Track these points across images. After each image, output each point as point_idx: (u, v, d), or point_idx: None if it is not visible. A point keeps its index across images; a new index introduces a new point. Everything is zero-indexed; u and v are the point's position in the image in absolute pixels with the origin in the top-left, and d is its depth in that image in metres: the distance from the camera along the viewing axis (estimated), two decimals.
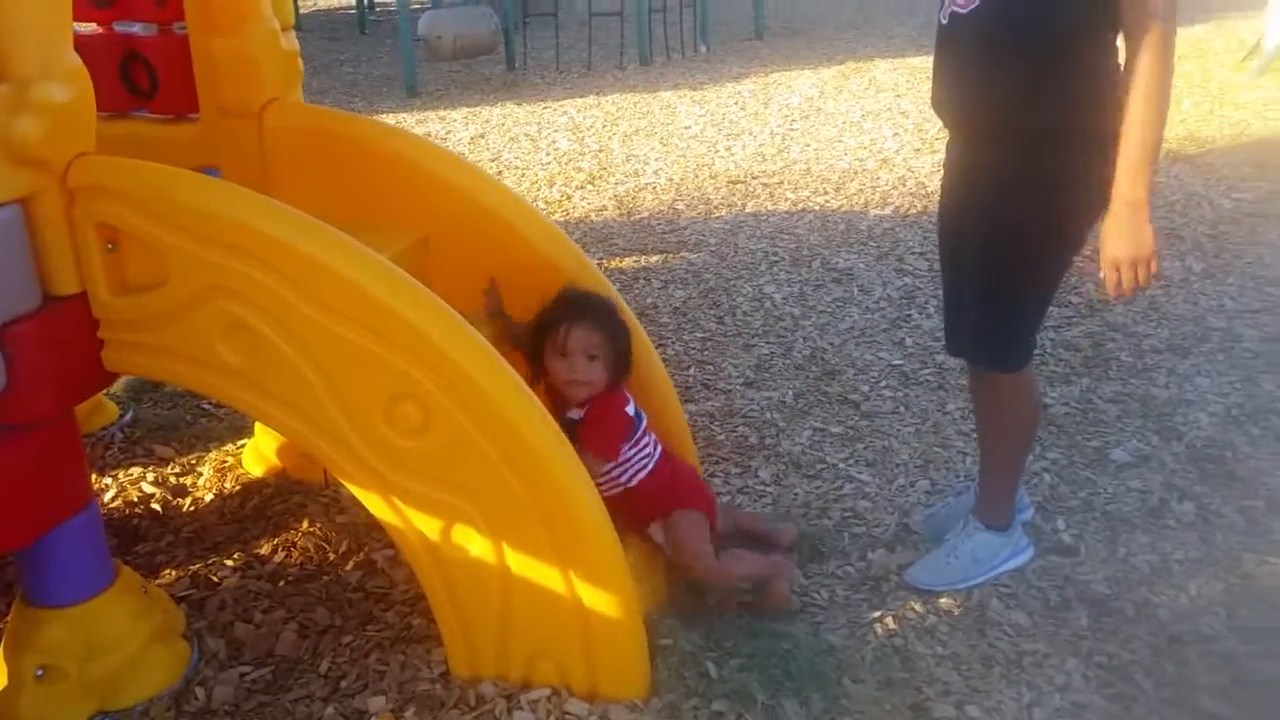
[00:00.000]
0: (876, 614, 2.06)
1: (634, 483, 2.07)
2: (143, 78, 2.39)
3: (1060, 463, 2.65)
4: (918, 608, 2.07)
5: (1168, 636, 1.99)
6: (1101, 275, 1.86)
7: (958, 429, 2.84)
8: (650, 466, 2.08)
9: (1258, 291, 3.73)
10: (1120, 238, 1.80)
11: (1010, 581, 2.16)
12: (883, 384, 3.13)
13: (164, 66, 2.36)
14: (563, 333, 2.02)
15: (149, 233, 1.73)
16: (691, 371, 3.27)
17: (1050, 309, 3.59)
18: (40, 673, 1.74)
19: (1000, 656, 1.94)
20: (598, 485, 2.00)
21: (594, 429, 2.02)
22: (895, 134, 6.22)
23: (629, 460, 2.06)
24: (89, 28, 2.40)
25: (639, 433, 2.08)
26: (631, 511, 2.08)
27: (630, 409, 2.08)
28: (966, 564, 2.14)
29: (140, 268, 1.78)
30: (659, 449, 2.12)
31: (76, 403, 1.83)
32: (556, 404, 2.07)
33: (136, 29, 2.44)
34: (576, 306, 2.07)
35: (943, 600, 2.09)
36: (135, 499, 2.51)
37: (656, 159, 5.91)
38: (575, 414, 2.05)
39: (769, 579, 2.10)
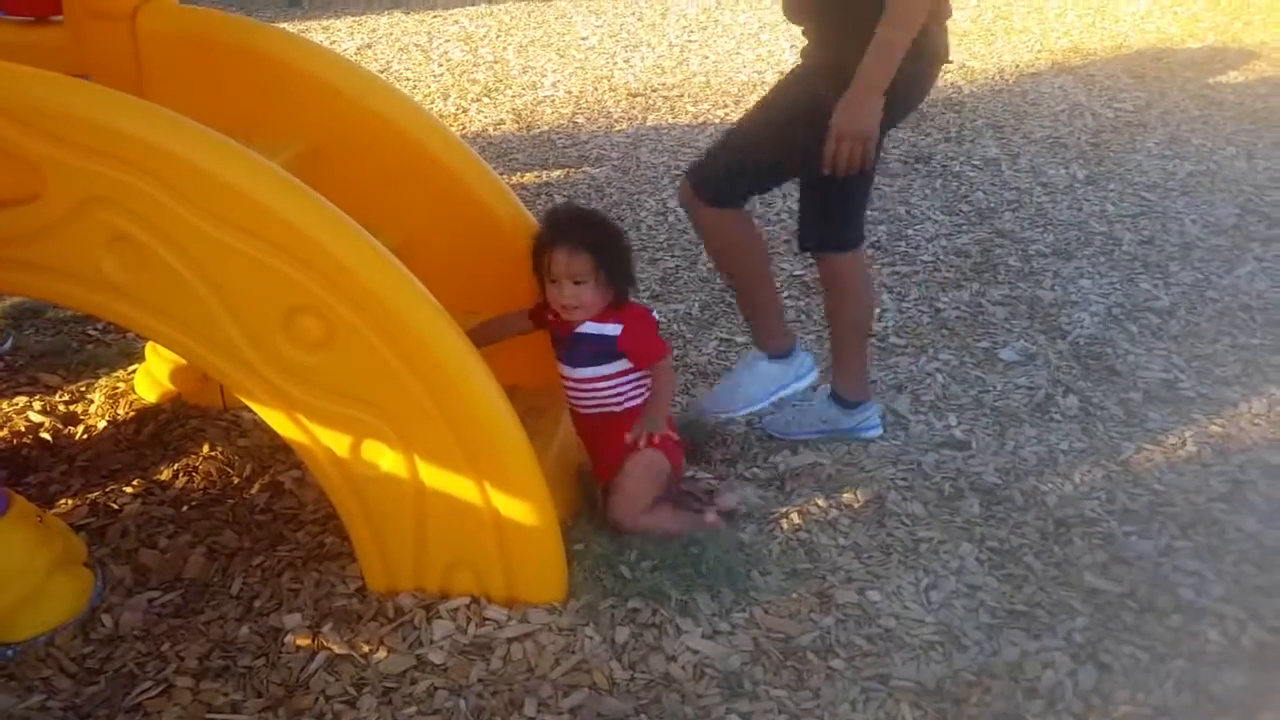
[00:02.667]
0: (782, 510, 2.13)
1: (635, 403, 2.03)
2: None
3: (951, 363, 2.76)
4: (821, 503, 2.15)
5: (1054, 521, 2.12)
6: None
7: None
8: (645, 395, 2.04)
9: (1136, 197, 3.91)
10: (849, 112, 1.94)
11: (906, 475, 2.25)
12: (785, 294, 3.18)
13: None
14: (548, 258, 1.96)
15: (18, 142, 1.61)
16: None
17: (942, 218, 3.74)
18: None
19: (898, 545, 2.04)
20: (626, 390, 2.02)
21: (636, 340, 1.98)
22: (792, 46, 6.22)
23: (641, 379, 2.03)
24: None
25: None
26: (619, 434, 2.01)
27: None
28: (754, 391, 2.35)
29: (12, 179, 1.66)
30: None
31: None
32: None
33: None
34: (558, 228, 1.98)
35: (845, 495, 2.17)
36: (22, 429, 2.40)
37: (554, 71, 5.79)
38: (591, 328, 1.98)
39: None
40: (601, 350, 1.99)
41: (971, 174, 4.17)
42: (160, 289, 1.67)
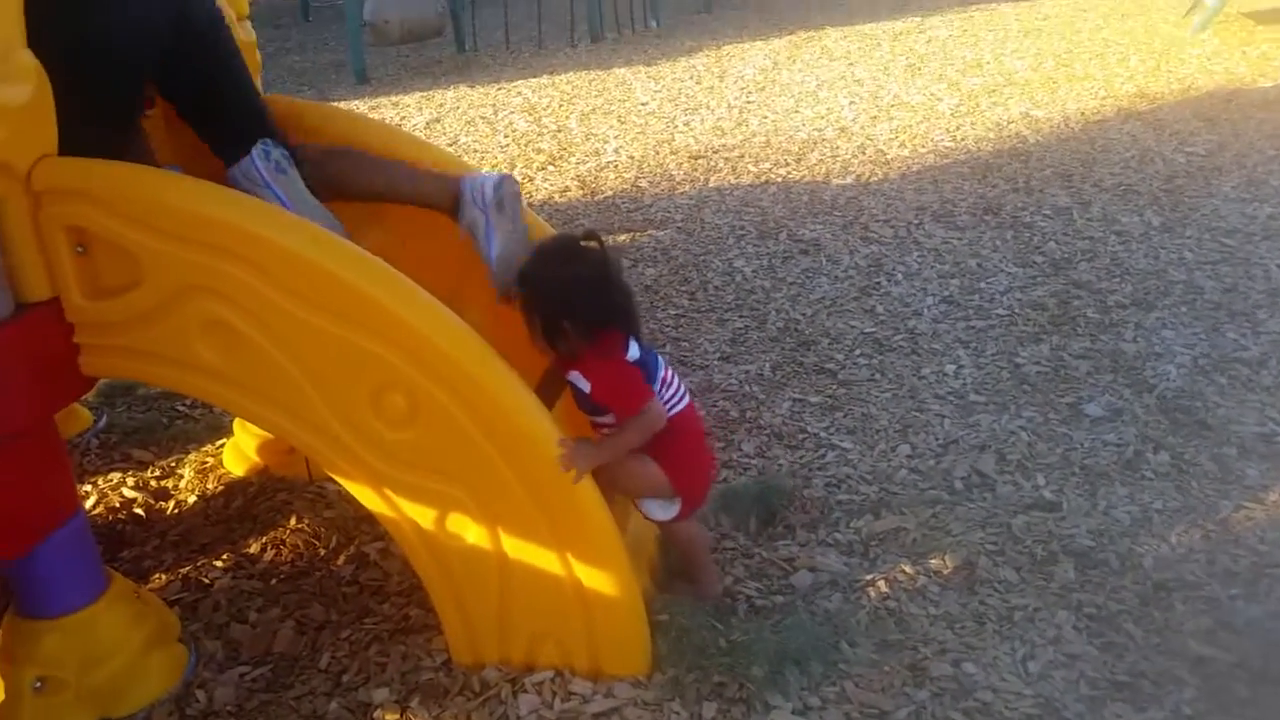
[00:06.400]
0: (868, 578, 2.08)
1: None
2: None
3: (1035, 420, 2.69)
4: (908, 570, 2.10)
5: (1153, 585, 2.04)
6: None
7: (933, 393, 2.88)
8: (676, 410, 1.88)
9: (1215, 243, 3.81)
10: None
11: (996, 539, 2.19)
12: (857, 352, 3.16)
13: None
14: None
15: (119, 234, 1.69)
16: (667, 349, 3.27)
17: (1015, 270, 3.67)
18: (39, 684, 1.72)
19: (992, 613, 1.98)
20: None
21: (610, 396, 1.83)
22: (851, 102, 6.25)
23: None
24: None
25: (658, 375, 1.88)
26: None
27: (631, 354, 1.85)
28: None
29: (113, 269, 1.74)
30: (685, 400, 1.92)
31: (56, 410, 1.79)
32: None
33: None
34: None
35: (933, 561, 2.12)
36: (117, 504, 2.47)
37: (616, 137, 5.88)
38: (575, 379, 1.86)
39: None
40: (586, 402, 1.87)
41: (1043, 224, 4.12)
42: (253, 370, 1.72)
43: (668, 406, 1.89)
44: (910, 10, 9.49)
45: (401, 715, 1.77)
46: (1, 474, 1.63)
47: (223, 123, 2.16)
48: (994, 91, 6.29)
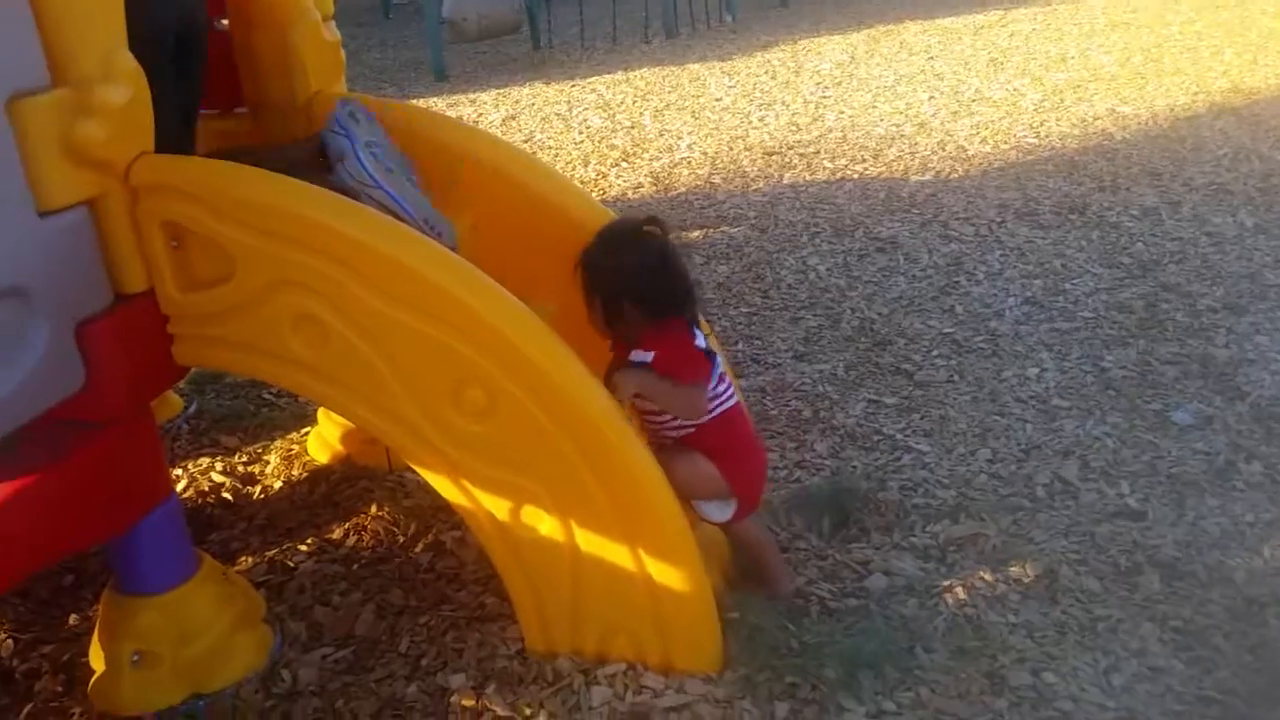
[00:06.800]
0: (945, 584, 2.05)
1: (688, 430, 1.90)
2: None
3: (1121, 426, 2.62)
4: (987, 577, 2.06)
5: (1244, 599, 1.97)
6: None
7: (1015, 396, 2.82)
8: (718, 413, 1.90)
9: None
10: None
11: (1079, 548, 2.14)
12: (935, 353, 3.11)
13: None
14: None
15: (213, 229, 1.75)
16: (740, 346, 3.27)
17: (1101, 271, 3.57)
18: (136, 658, 1.79)
19: (1074, 623, 1.93)
20: (664, 427, 1.92)
21: (672, 364, 1.84)
22: (931, 97, 6.15)
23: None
24: None
25: (715, 372, 1.90)
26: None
27: (699, 342, 1.89)
28: None
29: (206, 263, 1.79)
30: (734, 399, 1.95)
31: (152, 397, 1.86)
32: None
33: None
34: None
35: (1013, 569, 2.08)
36: (206, 488, 2.56)
37: (689, 133, 5.88)
38: (636, 355, 1.87)
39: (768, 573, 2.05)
40: None
41: (1130, 224, 4.00)
42: (341, 363, 1.76)
43: (718, 402, 1.91)
44: (992, 4, 9.29)
45: (477, 701, 1.80)
46: (103, 456, 1.70)
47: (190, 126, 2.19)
48: (1079, 87, 6.13)
